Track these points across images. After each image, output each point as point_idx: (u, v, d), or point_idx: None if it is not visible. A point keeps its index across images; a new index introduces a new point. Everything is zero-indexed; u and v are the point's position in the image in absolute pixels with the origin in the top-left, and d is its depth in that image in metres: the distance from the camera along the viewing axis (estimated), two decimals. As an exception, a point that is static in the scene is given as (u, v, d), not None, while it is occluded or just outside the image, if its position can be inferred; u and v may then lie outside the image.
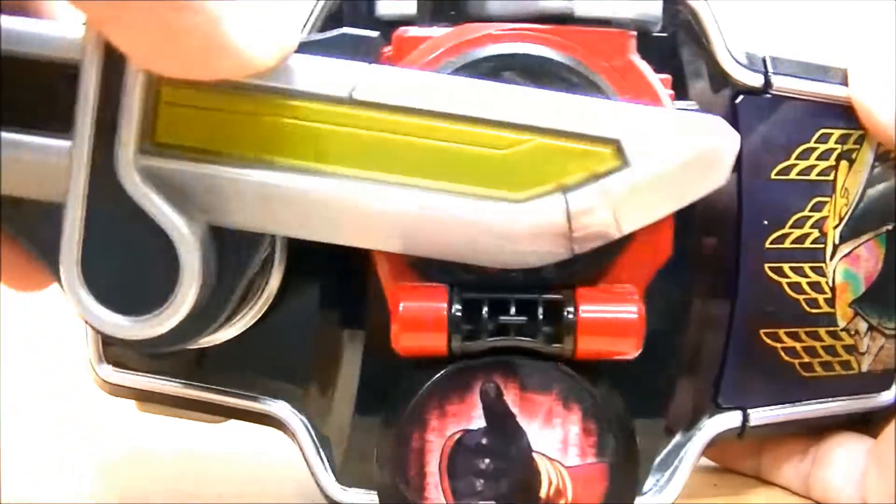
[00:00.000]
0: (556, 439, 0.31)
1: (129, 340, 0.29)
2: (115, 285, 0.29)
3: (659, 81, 0.31)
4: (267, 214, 0.29)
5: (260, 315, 0.35)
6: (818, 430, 0.39)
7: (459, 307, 0.30)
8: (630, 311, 0.30)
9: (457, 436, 0.31)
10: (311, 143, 0.28)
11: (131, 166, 0.28)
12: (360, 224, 0.29)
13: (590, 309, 0.30)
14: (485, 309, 0.30)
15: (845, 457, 0.38)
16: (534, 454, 0.31)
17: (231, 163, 0.28)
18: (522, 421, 0.31)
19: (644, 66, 0.31)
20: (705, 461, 0.41)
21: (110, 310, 0.29)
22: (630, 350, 0.30)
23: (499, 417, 0.31)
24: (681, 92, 0.34)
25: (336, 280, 0.36)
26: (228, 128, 0.28)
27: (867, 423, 0.39)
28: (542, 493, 0.31)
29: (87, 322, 0.29)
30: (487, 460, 0.31)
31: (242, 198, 0.29)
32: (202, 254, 0.28)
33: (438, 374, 0.31)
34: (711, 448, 0.39)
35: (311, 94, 0.28)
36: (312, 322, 0.36)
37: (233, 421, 0.38)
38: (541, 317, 0.30)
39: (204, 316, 0.30)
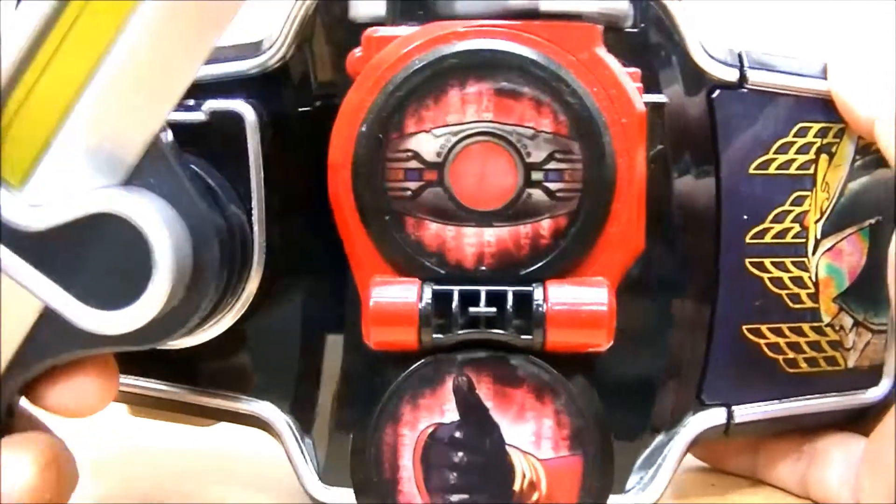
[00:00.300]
0: (530, 432, 0.31)
1: (114, 337, 0.30)
2: (91, 281, 0.30)
3: (626, 75, 0.31)
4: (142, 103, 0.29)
5: (239, 317, 0.35)
6: (810, 428, 0.38)
7: (430, 300, 0.30)
8: (600, 302, 0.30)
9: (430, 429, 0.31)
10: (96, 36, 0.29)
11: (21, 209, 0.29)
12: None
13: (559, 301, 0.30)
14: (455, 302, 0.30)
15: (840, 456, 0.38)
16: (507, 447, 0.31)
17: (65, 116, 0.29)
18: (495, 414, 0.31)
19: (611, 60, 0.31)
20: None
21: (89, 306, 0.30)
22: (601, 342, 0.30)
23: (472, 411, 0.31)
24: (653, 87, 0.34)
25: (317, 282, 0.37)
26: (37, 104, 0.29)
27: (861, 421, 0.38)
28: (516, 487, 0.31)
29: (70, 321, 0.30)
30: (461, 454, 0.31)
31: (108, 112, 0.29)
32: (173, 239, 0.29)
33: (410, 369, 0.31)
34: (707, 449, 0.39)
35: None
36: (295, 324, 0.37)
37: (221, 422, 0.39)
38: (510, 309, 0.30)
39: (183, 306, 0.30)
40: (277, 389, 0.37)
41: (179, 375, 0.37)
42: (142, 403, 0.38)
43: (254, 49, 0.36)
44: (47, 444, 0.31)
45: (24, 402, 0.33)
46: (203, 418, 0.38)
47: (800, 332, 0.36)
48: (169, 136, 0.31)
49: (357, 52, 0.32)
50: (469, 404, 0.31)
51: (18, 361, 0.31)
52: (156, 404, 0.38)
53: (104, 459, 0.43)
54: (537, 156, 0.30)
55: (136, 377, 0.38)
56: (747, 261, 0.36)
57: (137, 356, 0.32)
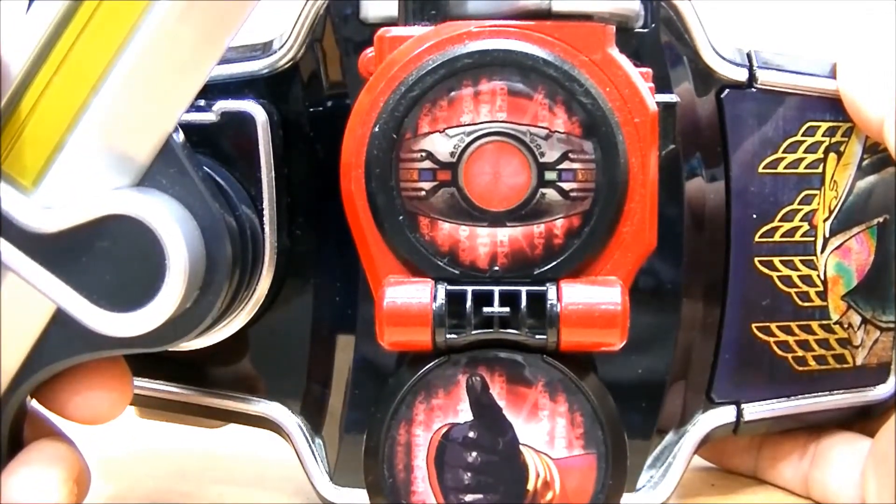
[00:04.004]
0: (543, 431, 0.31)
1: (127, 339, 0.30)
2: (104, 283, 0.29)
3: (639, 74, 0.31)
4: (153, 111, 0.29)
5: (250, 319, 0.35)
6: (816, 425, 0.39)
7: (443, 301, 0.30)
8: (613, 302, 0.30)
9: (444, 430, 0.31)
10: (105, 42, 0.29)
11: (34, 211, 0.29)
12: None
13: (573, 300, 0.30)
14: (468, 302, 0.30)
15: (844, 456, 0.38)
16: (521, 447, 0.31)
17: (78, 118, 0.29)
18: (509, 414, 0.31)
19: (623, 60, 0.31)
20: (705, 461, 0.41)
21: (102, 308, 0.30)
22: (614, 341, 0.30)
23: (485, 410, 0.31)
24: (664, 87, 0.34)
25: (328, 283, 0.37)
26: (49, 106, 0.29)
27: (867, 419, 0.38)
28: (530, 486, 0.31)
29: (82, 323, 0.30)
30: (475, 453, 0.31)
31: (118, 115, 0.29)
32: (186, 240, 0.29)
33: (424, 369, 0.31)
34: (709, 448, 0.39)
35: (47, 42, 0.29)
36: (305, 325, 0.37)
37: (231, 424, 0.39)
38: (524, 308, 0.30)
39: (196, 307, 0.30)
40: (288, 391, 0.37)
41: (189, 377, 0.37)
42: (151, 405, 0.38)
43: (264, 49, 0.36)
44: (72, 460, 0.31)
45: (35, 404, 0.33)
46: (213, 420, 0.38)
47: (809, 330, 0.37)
48: (180, 136, 0.31)
49: (369, 52, 0.32)
50: (483, 404, 0.31)
51: (31, 363, 0.30)
52: (165, 406, 0.38)
53: (108, 460, 0.43)
54: (551, 156, 0.30)
55: (146, 379, 0.37)
56: (756, 259, 0.36)
57: (147, 358, 0.33)
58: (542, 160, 0.30)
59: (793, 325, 0.36)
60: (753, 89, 0.35)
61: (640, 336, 0.35)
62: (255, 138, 0.34)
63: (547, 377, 0.31)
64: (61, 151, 0.30)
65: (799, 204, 0.36)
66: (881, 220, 0.37)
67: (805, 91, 0.36)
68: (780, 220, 0.36)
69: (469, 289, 0.31)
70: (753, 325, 0.36)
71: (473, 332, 0.30)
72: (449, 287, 0.31)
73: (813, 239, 0.36)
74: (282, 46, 0.35)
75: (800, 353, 0.37)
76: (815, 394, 0.37)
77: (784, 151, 0.36)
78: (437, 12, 0.31)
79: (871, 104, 0.35)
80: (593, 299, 0.30)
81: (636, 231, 0.31)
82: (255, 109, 0.34)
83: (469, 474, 0.31)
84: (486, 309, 0.30)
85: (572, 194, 0.31)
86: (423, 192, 0.31)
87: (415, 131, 0.31)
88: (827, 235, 0.36)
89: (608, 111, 0.30)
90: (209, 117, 0.34)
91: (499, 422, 0.31)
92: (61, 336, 0.30)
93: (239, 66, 0.35)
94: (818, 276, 0.36)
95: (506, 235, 0.31)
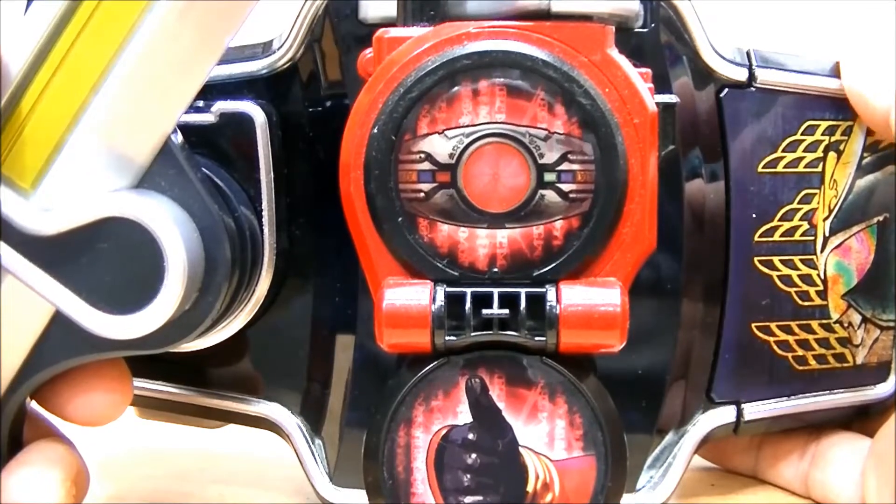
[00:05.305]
0: (543, 433, 0.31)
1: (126, 341, 0.30)
2: (103, 285, 0.29)
3: (638, 75, 0.31)
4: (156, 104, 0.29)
5: (250, 319, 0.35)
6: (816, 424, 0.39)
7: (442, 303, 0.30)
8: (613, 303, 0.30)
9: (443, 431, 0.31)
10: (105, 41, 0.29)
11: (32, 213, 0.29)
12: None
13: (572, 302, 0.30)
14: (468, 304, 0.30)
15: (844, 456, 0.38)
16: (520, 448, 0.31)
17: (77, 119, 0.29)
18: (508, 415, 0.31)
19: (622, 60, 0.31)
20: (705, 461, 0.41)
21: (101, 310, 0.30)
22: (614, 342, 0.30)
23: (485, 412, 0.31)
24: (663, 87, 0.34)
25: (327, 284, 0.37)
26: (48, 108, 0.29)
27: (865, 418, 0.38)
28: (529, 488, 0.31)
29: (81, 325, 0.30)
30: (474, 455, 0.31)
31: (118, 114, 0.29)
32: (184, 242, 0.29)
33: (423, 371, 0.31)
34: (709, 448, 0.40)
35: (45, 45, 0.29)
36: (305, 326, 0.37)
37: (230, 424, 0.39)
38: (523, 310, 0.30)
39: (195, 309, 0.30)
40: (287, 391, 0.37)
41: (189, 378, 0.38)
42: (151, 406, 0.38)
43: (263, 49, 0.36)
44: (71, 461, 0.31)
45: (35, 405, 0.33)
46: (212, 420, 0.38)
47: (809, 330, 0.37)
48: (179, 137, 0.30)
49: (368, 52, 0.32)
50: (482, 406, 0.31)
51: (31, 365, 0.30)
52: (165, 407, 0.38)
53: (108, 460, 0.43)
54: (550, 157, 0.30)
55: (145, 379, 0.37)
56: (756, 259, 0.36)
57: (146, 359, 0.33)
58: (541, 161, 0.30)
59: (793, 324, 0.36)
60: (753, 88, 0.35)
61: (640, 336, 0.35)
62: (254, 139, 0.34)
63: (546, 379, 0.31)
64: (60, 153, 0.30)
65: (798, 203, 0.36)
66: (881, 218, 0.37)
67: (804, 90, 0.36)
68: (780, 220, 0.36)
69: (468, 290, 0.31)
70: (753, 325, 0.36)
71: (473, 333, 0.30)
72: (448, 289, 0.31)
73: (813, 238, 0.36)
74: (281, 46, 0.35)
75: (800, 352, 0.37)
76: (816, 393, 0.37)
77: (783, 150, 0.36)
78: (435, 13, 0.31)
79: (877, 96, 0.35)
80: (593, 301, 0.30)
81: (636, 232, 0.31)
82: (253, 110, 0.34)
83: (468, 476, 0.31)
84: (485, 310, 0.30)
85: (571, 195, 0.31)
86: (423, 194, 0.31)
87: (414, 132, 0.30)
88: (827, 234, 0.36)
89: (607, 112, 0.30)
90: (208, 118, 0.34)
91: (498, 423, 0.31)
92: (61, 337, 0.30)
93: (238, 67, 0.35)
94: (818, 275, 0.36)
95: (505, 237, 0.31)
